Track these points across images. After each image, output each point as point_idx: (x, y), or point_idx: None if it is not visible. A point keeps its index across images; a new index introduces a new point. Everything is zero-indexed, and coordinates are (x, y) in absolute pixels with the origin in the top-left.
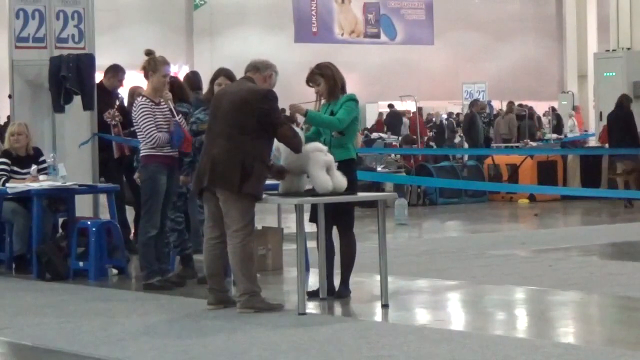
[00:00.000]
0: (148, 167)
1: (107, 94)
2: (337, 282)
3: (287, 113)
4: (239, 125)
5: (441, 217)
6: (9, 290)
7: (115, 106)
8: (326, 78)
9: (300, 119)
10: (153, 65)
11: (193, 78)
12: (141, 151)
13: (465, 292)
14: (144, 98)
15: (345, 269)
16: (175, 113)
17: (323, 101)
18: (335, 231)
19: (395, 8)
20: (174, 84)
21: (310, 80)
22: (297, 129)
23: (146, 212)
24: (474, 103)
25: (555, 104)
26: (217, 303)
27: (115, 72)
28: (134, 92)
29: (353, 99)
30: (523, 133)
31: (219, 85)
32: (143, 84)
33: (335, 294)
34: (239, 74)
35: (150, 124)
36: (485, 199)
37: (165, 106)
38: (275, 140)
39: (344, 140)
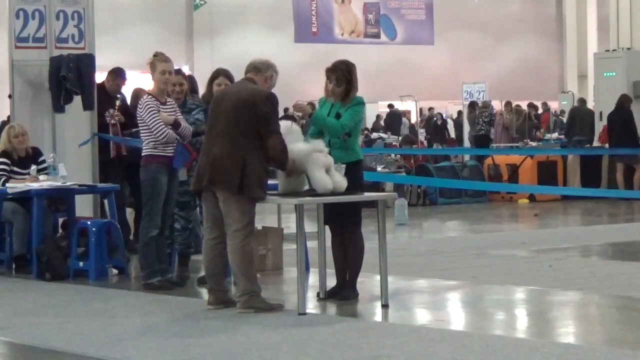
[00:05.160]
0: (149, 167)
1: (107, 95)
2: (334, 282)
3: (291, 111)
4: (240, 126)
5: (441, 217)
6: (9, 290)
7: (116, 106)
8: (353, 87)
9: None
10: (153, 64)
11: (189, 82)
12: (143, 151)
13: (465, 292)
14: (150, 96)
15: (353, 270)
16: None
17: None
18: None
19: (395, 8)
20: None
21: (336, 77)
22: (294, 125)
23: (147, 213)
24: (474, 104)
25: (556, 104)
26: (217, 303)
27: (116, 76)
28: (138, 94)
29: (361, 103)
30: (523, 133)
31: (218, 85)
32: (144, 84)
33: (340, 295)
34: (239, 74)
35: (159, 120)
36: (485, 199)
37: (171, 106)
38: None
39: (350, 142)
